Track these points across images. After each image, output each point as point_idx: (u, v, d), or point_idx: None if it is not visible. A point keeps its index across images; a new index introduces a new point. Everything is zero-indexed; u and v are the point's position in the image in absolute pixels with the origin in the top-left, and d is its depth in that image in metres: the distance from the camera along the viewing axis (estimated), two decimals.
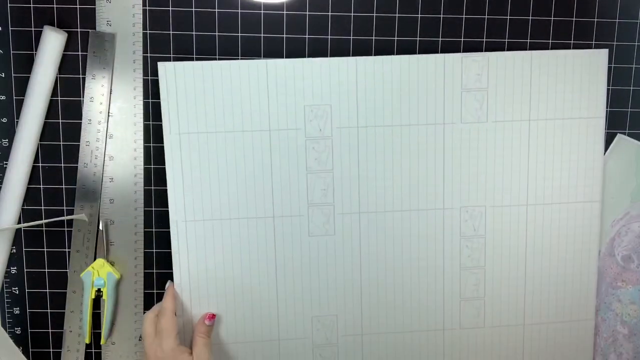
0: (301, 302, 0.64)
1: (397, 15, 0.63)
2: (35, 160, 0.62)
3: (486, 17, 0.64)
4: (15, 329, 0.64)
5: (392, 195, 0.63)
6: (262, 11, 0.61)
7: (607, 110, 0.65)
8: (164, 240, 0.64)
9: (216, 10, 0.61)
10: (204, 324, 0.61)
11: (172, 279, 0.62)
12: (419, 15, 0.63)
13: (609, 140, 0.66)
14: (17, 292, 0.64)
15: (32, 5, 0.60)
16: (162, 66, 0.59)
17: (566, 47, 0.65)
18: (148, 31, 0.61)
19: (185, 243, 0.62)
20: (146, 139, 0.63)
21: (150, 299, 0.65)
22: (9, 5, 0.60)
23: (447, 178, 0.64)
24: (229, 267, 0.63)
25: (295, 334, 0.64)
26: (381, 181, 0.63)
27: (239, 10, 0.61)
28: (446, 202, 0.64)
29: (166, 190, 0.63)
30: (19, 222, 0.62)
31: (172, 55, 0.61)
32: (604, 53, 0.63)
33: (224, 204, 0.62)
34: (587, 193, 0.65)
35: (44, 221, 0.62)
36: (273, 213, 0.62)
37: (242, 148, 0.61)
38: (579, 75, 0.63)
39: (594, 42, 0.65)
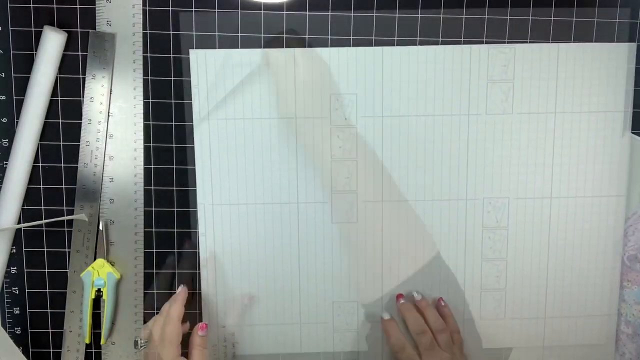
0: (323, 287, 0.64)
1: (397, 15, 0.62)
2: (35, 160, 0.62)
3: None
4: (15, 329, 0.64)
5: (414, 184, 0.63)
6: (262, 11, 0.61)
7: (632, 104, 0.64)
8: (164, 240, 0.64)
9: (216, 10, 0.61)
10: (197, 335, 0.61)
11: (183, 284, 0.62)
12: (419, 15, 0.63)
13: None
14: (17, 292, 0.64)
15: (32, 5, 0.60)
16: (193, 53, 0.60)
17: (589, 40, 0.64)
18: (148, 31, 0.61)
19: (212, 225, 0.63)
20: (146, 139, 0.63)
21: (150, 299, 0.64)
22: (9, 5, 0.60)
23: (470, 169, 0.63)
24: (253, 251, 0.64)
25: (317, 319, 0.65)
26: (404, 170, 0.63)
27: (239, 11, 0.61)
28: (469, 193, 0.64)
29: (166, 190, 0.63)
30: (19, 222, 0.62)
31: (172, 56, 0.61)
32: (629, 47, 0.63)
33: (250, 188, 0.62)
34: (612, 187, 0.65)
35: (44, 221, 0.62)
36: (297, 199, 0.63)
37: (269, 135, 0.62)
38: (605, 68, 0.63)
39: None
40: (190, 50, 0.61)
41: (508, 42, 0.63)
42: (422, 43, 0.63)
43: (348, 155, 0.63)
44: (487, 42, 0.62)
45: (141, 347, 0.62)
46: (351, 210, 0.64)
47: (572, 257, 0.66)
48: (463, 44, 0.63)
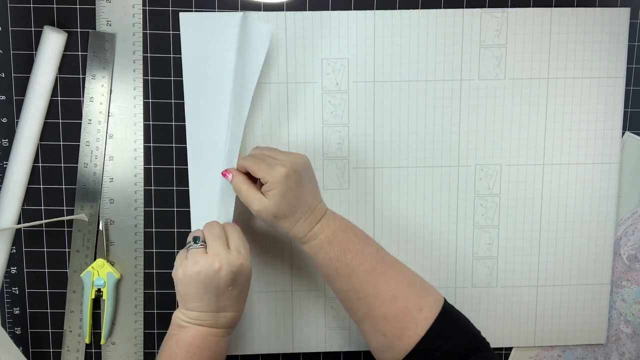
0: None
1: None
2: (35, 160, 0.62)
3: None
4: (15, 329, 0.64)
5: (406, 150, 0.63)
6: (262, 11, 0.61)
7: (632, 68, 0.64)
8: (164, 240, 0.64)
9: (216, 10, 0.61)
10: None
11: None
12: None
13: (628, 100, 0.65)
14: (17, 292, 0.64)
15: (32, 5, 0.60)
16: (183, 17, 0.60)
17: (592, 5, 0.63)
18: (148, 31, 0.61)
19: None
20: (146, 139, 0.63)
21: (151, 299, 0.65)
22: (9, 5, 0.60)
23: (462, 135, 0.63)
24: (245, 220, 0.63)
25: (308, 287, 0.65)
26: (396, 136, 0.63)
27: (239, 11, 0.61)
28: (461, 160, 0.64)
29: (166, 190, 0.63)
30: (19, 222, 0.62)
31: (172, 56, 0.61)
32: (625, 12, 0.62)
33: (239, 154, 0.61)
34: (605, 154, 0.65)
35: (44, 221, 0.62)
36: None
37: (260, 100, 0.62)
38: (599, 34, 0.62)
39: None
40: (181, 14, 0.60)
41: (510, 6, 0.62)
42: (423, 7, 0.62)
43: (339, 121, 0.63)
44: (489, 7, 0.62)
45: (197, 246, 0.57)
46: (343, 176, 0.63)
47: (564, 224, 0.65)
48: (465, 7, 0.62)
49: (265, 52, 0.59)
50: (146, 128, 0.63)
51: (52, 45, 0.59)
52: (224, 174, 0.58)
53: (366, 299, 0.54)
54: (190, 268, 0.52)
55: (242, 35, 0.59)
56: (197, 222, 0.63)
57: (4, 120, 0.61)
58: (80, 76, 0.61)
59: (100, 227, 0.63)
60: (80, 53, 0.61)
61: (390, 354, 0.54)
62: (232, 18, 0.60)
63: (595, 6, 0.63)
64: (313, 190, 0.56)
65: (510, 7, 0.62)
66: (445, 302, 0.55)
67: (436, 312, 0.53)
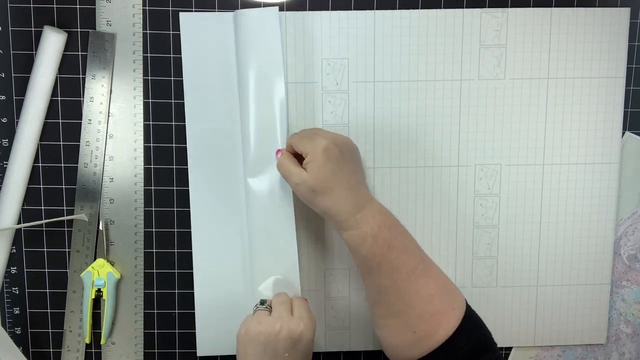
0: (314, 255, 0.64)
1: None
2: (35, 160, 0.62)
3: None
4: (15, 329, 0.64)
5: (406, 150, 0.63)
6: (262, 7, 0.61)
7: (632, 68, 0.64)
8: (164, 240, 0.64)
9: (216, 10, 0.61)
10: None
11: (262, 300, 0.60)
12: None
13: (628, 100, 0.65)
14: (17, 292, 0.64)
15: (32, 5, 0.60)
16: (183, 17, 0.60)
17: (592, 6, 0.63)
18: (148, 31, 0.61)
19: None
20: (146, 139, 0.63)
21: (151, 299, 0.65)
22: (9, 5, 0.60)
23: (462, 135, 0.63)
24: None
25: (308, 287, 0.65)
26: (396, 136, 0.63)
27: (239, 10, 0.61)
28: (461, 159, 0.64)
29: (166, 190, 0.63)
30: (19, 222, 0.62)
31: (172, 56, 0.61)
32: (625, 12, 0.62)
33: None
34: (605, 154, 0.64)
35: (44, 221, 0.62)
36: None
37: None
38: (599, 34, 0.62)
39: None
40: (181, 14, 0.60)
41: (510, 6, 0.62)
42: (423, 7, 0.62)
43: (339, 121, 0.63)
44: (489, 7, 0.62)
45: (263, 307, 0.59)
46: None
47: (564, 224, 0.65)
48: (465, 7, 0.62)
49: (279, 43, 0.60)
50: (146, 128, 0.63)
51: (52, 45, 0.59)
52: (277, 153, 0.58)
53: (405, 296, 0.54)
54: (252, 327, 0.53)
55: (253, 31, 0.60)
56: (197, 222, 0.63)
57: (4, 120, 0.61)
58: (80, 76, 0.61)
59: (100, 227, 0.63)
60: (80, 53, 0.61)
61: (414, 351, 0.54)
62: (232, 18, 0.60)
63: (595, 6, 0.63)
64: (356, 172, 0.56)
65: (510, 7, 0.62)
66: (466, 301, 0.56)
67: (463, 312, 0.54)
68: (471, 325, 0.54)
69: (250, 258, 0.62)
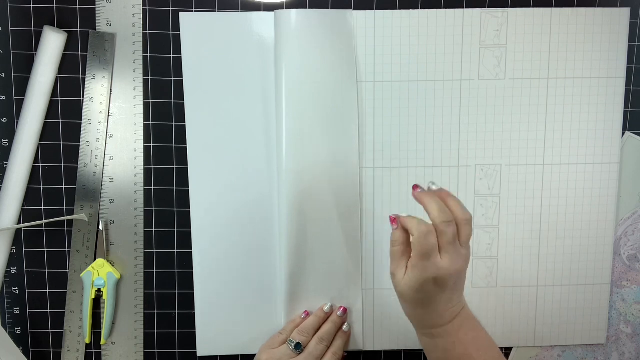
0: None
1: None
2: (35, 160, 0.62)
3: None
4: (15, 329, 0.64)
5: (407, 150, 0.63)
6: (262, 12, 0.61)
7: (632, 68, 0.64)
8: (164, 240, 0.64)
9: (216, 10, 0.61)
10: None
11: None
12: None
13: (628, 100, 0.65)
14: (17, 292, 0.64)
15: (32, 5, 0.60)
16: (183, 17, 0.60)
17: (592, 6, 0.63)
18: (148, 31, 0.61)
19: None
20: (146, 139, 0.63)
21: (151, 299, 0.65)
22: (9, 5, 0.60)
23: (462, 135, 0.63)
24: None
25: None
26: (396, 136, 0.63)
27: (239, 11, 0.61)
28: (461, 160, 0.64)
29: (166, 190, 0.63)
30: (19, 222, 0.62)
31: (172, 56, 0.61)
32: (625, 12, 0.62)
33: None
34: (605, 154, 0.64)
35: (44, 221, 0.62)
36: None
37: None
38: (599, 34, 0.62)
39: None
40: (181, 14, 0.60)
41: (510, 6, 0.62)
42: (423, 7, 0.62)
43: None
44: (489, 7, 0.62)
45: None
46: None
47: (564, 224, 0.65)
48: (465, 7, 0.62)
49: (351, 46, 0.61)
50: (146, 128, 0.63)
51: (52, 45, 0.59)
52: (413, 189, 0.54)
53: None
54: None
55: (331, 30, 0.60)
56: (197, 222, 0.63)
57: (4, 120, 0.61)
58: (80, 76, 0.61)
59: (100, 227, 0.63)
60: (80, 53, 0.61)
61: None
62: (232, 18, 0.61)
63: (595, 6, 0.63)
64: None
65: (510, 7, 0.62)
66: None
67: None
68: None
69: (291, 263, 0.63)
